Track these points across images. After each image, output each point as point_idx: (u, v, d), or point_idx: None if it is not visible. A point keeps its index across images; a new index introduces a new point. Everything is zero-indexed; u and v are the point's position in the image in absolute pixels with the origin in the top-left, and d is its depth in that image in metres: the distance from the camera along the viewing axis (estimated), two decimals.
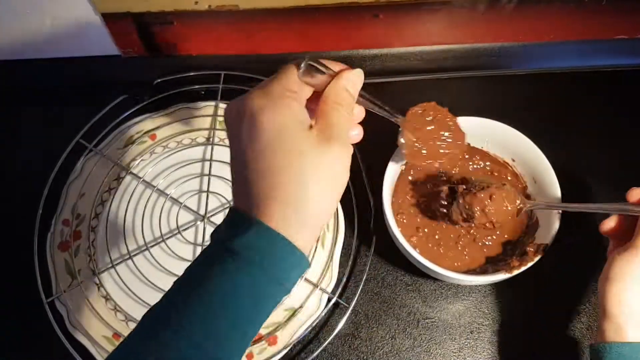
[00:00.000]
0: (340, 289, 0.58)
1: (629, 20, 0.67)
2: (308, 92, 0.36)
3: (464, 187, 0.53)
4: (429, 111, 0.50)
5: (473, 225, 0.52)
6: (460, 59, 0.70)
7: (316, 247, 0.58)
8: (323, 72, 0.36)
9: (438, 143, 0.50)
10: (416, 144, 0.49)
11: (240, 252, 0.31)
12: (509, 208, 0.51)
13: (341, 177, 0.34)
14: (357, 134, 0.39)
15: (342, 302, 0.57)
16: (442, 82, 0.71)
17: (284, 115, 0.33)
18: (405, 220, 0.58)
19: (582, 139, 0.66)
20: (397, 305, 0.58)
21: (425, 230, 0.57)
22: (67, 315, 0.55)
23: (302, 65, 0.35)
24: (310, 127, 0.34)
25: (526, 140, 0.56)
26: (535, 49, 0.70)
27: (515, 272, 0.50)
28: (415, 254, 0.51)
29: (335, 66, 0.37)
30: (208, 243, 0.34)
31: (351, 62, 0.69)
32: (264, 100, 0.33)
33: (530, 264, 0.51)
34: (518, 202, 0.51)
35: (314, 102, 0.37)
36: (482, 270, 0.55)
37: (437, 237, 0.57)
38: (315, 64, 0.35)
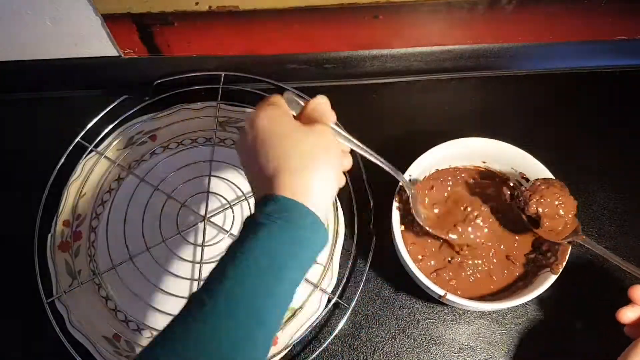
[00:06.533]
0: (340, 290, 0.58)
1: (628, 21, 0.67)
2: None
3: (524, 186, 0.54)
4: None
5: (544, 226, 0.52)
6: (460, 59, 0.70)
7: None
8: (299, 103, 0.45)
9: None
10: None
11: (263, 220, 0.37)
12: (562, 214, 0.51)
13: (332, 149, 0.42)
14: (348, 162, 0.46)
15: (342, 302, 0.57)
16: (442, 82, 0.71)
17: (274, 110, 0.42)
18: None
19: (582, 139, 0.66)
20: (397, 305, 0.58)
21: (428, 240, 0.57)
22: (67, 316, 0.55)
23: (284, 95, 0.45)
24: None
25: (531, 158, 0.55)
26: (535, 49, 0.70)
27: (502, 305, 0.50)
28: (411, 262, 0.51)
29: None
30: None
31: (351, 63, 0.69)
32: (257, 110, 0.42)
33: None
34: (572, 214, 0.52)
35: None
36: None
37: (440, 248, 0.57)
38: (294, 96, 0.45)
